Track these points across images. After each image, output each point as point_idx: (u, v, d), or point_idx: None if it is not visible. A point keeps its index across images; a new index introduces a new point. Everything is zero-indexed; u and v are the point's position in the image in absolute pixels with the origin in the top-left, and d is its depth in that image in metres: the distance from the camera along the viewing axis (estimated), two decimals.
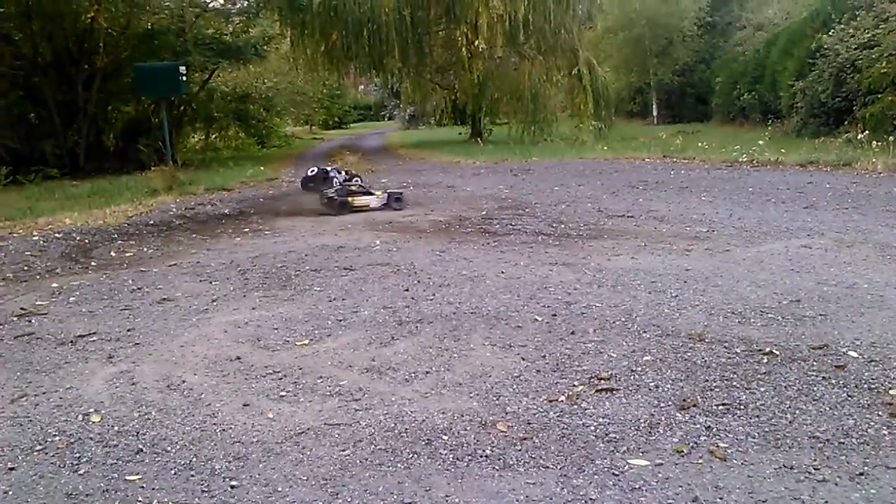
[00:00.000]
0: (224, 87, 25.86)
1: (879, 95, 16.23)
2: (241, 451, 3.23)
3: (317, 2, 23.32)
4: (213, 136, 28.39)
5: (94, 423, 3.60)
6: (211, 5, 23.26)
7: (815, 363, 3.91)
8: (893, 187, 10.22)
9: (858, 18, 18.52)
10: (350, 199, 10.58)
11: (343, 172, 11.36)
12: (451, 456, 3.10)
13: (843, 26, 18.77)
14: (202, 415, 3.64)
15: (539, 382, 3.84)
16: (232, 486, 2.93)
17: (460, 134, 29.70)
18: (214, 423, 3.53)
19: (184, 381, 4.09)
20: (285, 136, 34.06)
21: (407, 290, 5.86)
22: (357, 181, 11.30)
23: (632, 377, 3.85)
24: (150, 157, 17.54)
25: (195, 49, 19.96)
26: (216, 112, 25.45)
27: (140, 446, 3.33)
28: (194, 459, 3.18)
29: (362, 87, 54.67)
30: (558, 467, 2.97)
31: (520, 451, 3.11)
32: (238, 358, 4.44)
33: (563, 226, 8.52)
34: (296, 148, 31.17)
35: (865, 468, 2.83)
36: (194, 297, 5.95)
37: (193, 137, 27.82)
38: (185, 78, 16.36)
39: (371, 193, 10.58)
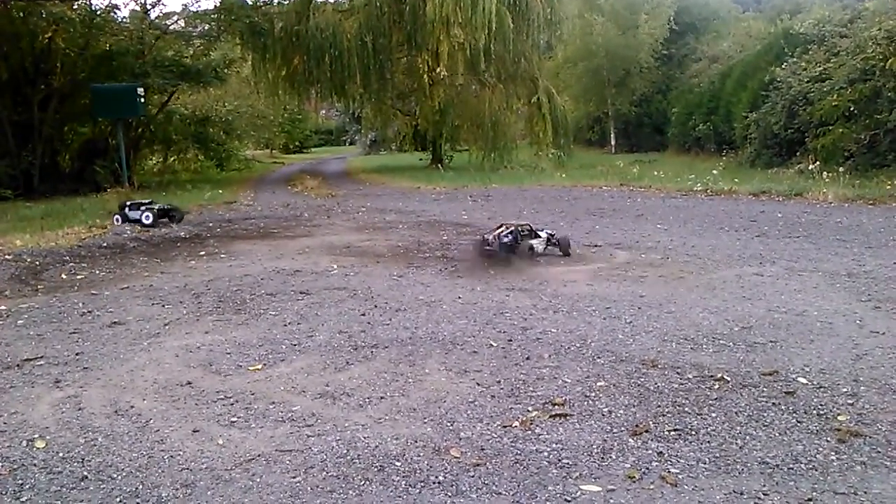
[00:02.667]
0: (183, 109, 25.67)
1: (830, 127, 16.64)
2: (189, 479, 3.16)
3: (278, 26, 23.35)
4: (172, 158, 28.09)
5: (38, 449, 3.51)
6: (171, 28, 23.11)
7: (765, 389, 3.96)
8: (843, 217, 10.46)
9: (810, 52, 19.03)
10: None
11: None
12: (403, 482, 3.07)
13: (795, 59, 19.27)
14: (150, 441, 3.56)
15: (493, 408, 3.83)
16: None
17: (421, 160, 29.80)
18: (162, 450, 3.46)
19: (132, 407, 4.01)
20: (245, 160, 33.80)
21: (363, 314, 5.83)
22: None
23: (585, 403, 3.86)
24: (106, 179, 17.34)
25: (154, 71, 19.80)
26: (175, 134, 25.23)
27: (85, 473, 3.24)
28: (140, 487, 3.10)
29: (324, 111, 54.59)
30: (511, 493, 2.95)
31: (473, 477, 3.10)
32: (189, 383, 4.36)
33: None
34: (255, 171, 30.97)
35: (814, 494, 2.86)
36: (146, 321, 5.85)
37: (151, 160, 27.53)
38: (143, 100, 16.25)
39: (538, 235, 8.67)
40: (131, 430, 3.71)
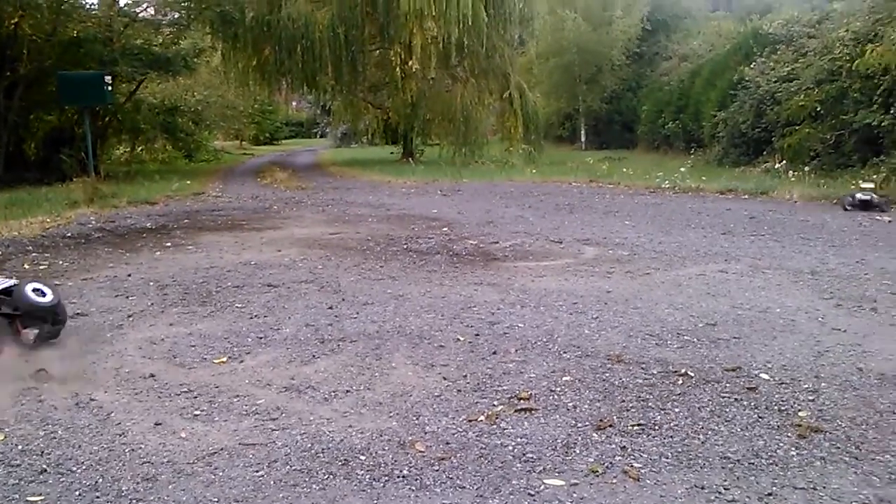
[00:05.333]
0: (152, 98, 25.29)
1: (797, 127, 16.86)
2: (150, 472, 3.13)
3: (249, 16, 23.08)
4: (139, 148, 27.67)
5: None
6: (140, 15, 22.72)
7: (728, 385, 4.01)
8: (807, 216, 10.61)
9: (779, 52, 19.26)
10: None
11: None
12: (367, 476, 3.06)
13: (764, 59, 19.49)
14: (111, 434, 3.52)
15: (459, 402, 3.84)
16: None
17: (392, 153, 29.70)
18: (124, 443, 3.42)
19: (93, 399, 3.96)
20: (214, 151, 33.44)
21: (331, 308, 5.80)
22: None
23: (551, 397, 3.88)
24: (72, 168, 17.01)
25: (123, 59, 19.45)
26: (143, 124, 24.82)
27: (44, 466, 3.20)
28: (101, 480, 3.07)
29: (295, 103, 54.17)
30: (475, 487, 2.96)
31: (437, 471, 3.10)
32: (152, 375, 4.32)
33: (489, 247, 8.57)
34: (225, 162, 30.66)
35: (774, 488, 2.91)
36: (109, 313, 5.77)
37: (118, 149, 27.07)
38: (110, 88, 15.97)
39: None
40: (92, 422, 3.67)
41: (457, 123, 24.52)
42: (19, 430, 3.57)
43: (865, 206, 10.78)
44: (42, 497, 2.94)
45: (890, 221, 9.99)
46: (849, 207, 10.92)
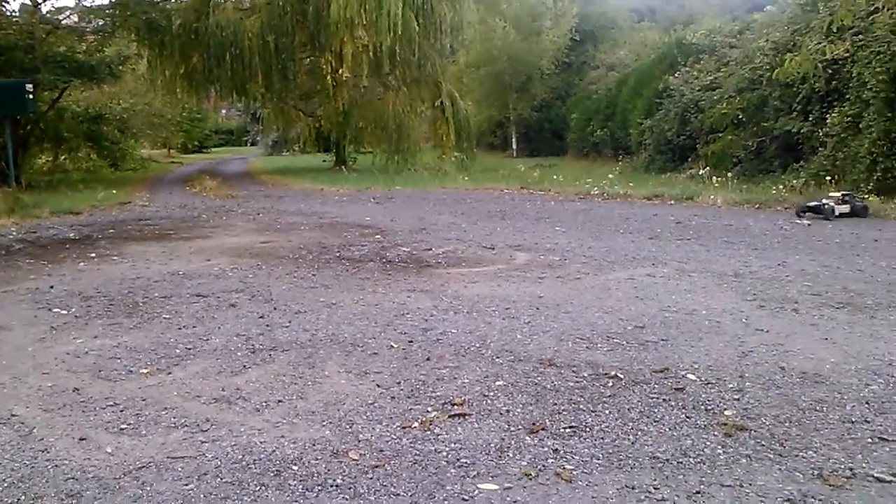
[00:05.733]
0: (76, 106, 24.67)
1: (720, 134, 17.38)
2: (74, 488, 3.03)
3: (177, 23, 22.72)
4: (63, 157, 26.91)
5: None
6: (64, 22, 22.14)
7: (656, 386, 4.09)
8: (731, 220, 10.93)
9: (702, 62, 19.82)
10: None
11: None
12: (300, 486, 3.02)
13: (687, 69, 20.03)
14: (33, 450, 3.40)
15: (393, 409, 3.82)
16: None
17: (324, 161, 29.53)
18: (47, 459, 3.31)
19: (14, 415, 3.81)
20: (141, 159, 32.73)
21: (262, 317, 5.72)
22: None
23: (484, 402, 3.90)
24: None
25: (45, 67, 18.95)
26: (66, 132, 24.17)
27: None
28: (23, 498, 2.96)
29: (224, 111, 53.41)
30: (409, 494, 2.95)
31: (371, 479, 3.08)
32: (76, 389, 4.18)
33: (422, 253, 8.59)
34: (152, 171, 30.03)
35: (702, 486, 2.96)
36: (31, 326, 5.59)
37: (41, 158, 26.27)
38: (31, 96, 15.53)
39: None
40: (13, 438, 3.53)
41: (389, 131, 24.56)
42: None
43: (818, 212, 10.88)
44: None
45: (809, 225, 10.36)
46: (804, 215, 10.98)
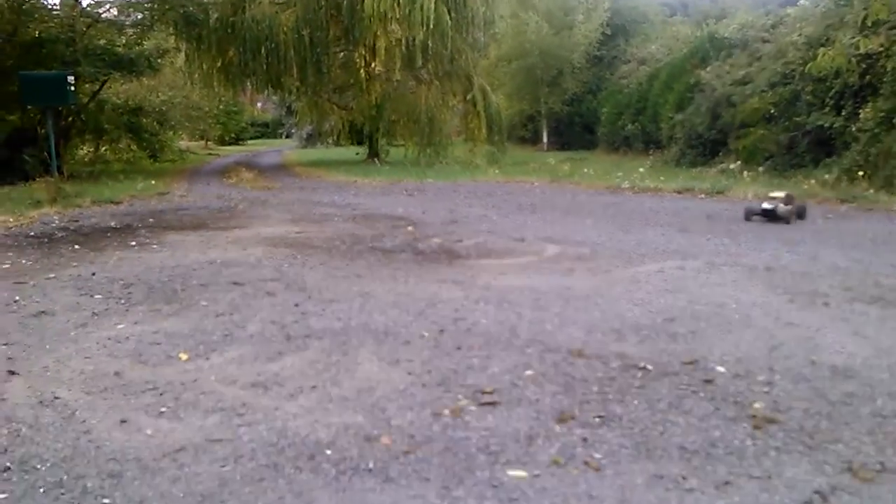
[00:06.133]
0: (116, 98, 24.98)
1: (752, 129, 17.20)
2: (115, 469, 3.14)
3: (214, 17, 22.91)
4: (104, 148, 27.32)
5: None
6: (104, 16, 22.40)
7: (685, 378, 4.11)
8: None
9: (734, 56, 19.60)
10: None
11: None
12: (333, 470, 3.10)
13: (719, 63, 19.84)
14: (76, 431, 3.52)
15: (424, 397, 3.89)
16: None
17: (357, 154, 29.66)
18: (89, 441, 3.42)
19: (58, 398, 3.94)
20: (179, 151, 33.10)
21: (296, 305, 5.82)
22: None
23: (514, 391, 3.95)
24: (35, 169, 16.79)
25: (85, 59, 19.22)
26: (107, 124, 24.50)
27: (8, 464, 3.19)
28: (65, 477, 3.07)
29: (260, 104, 53.85)
30: (440, 480, 3.01)
31: (402, 464, 3.15)
32: (117, 373, 4.31)
33: (453, 245, 8.65)
34: (190, 163, 30.36)
35: (730, 477, 2.99)
36: (73, 311, 5.74)
37: (82, 149, 26.69)
38: (73, 88, 15.78)
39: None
40: (56, 420, 3.66)
41: (421, 124, 24.60)
42: None
43: (769, 215, 10.15)
44: (6, 494, 2.93)
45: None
46: (753, 218, 10.30)
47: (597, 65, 33.35)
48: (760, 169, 15.20)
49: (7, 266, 7.69)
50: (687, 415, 3.62)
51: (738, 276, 6.68)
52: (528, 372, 4.23)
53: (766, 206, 10.23)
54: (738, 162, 16.48)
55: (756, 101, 16.83)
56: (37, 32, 20.07)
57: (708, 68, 20.07)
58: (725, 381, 4.05)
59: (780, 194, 10.55)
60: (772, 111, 16.50)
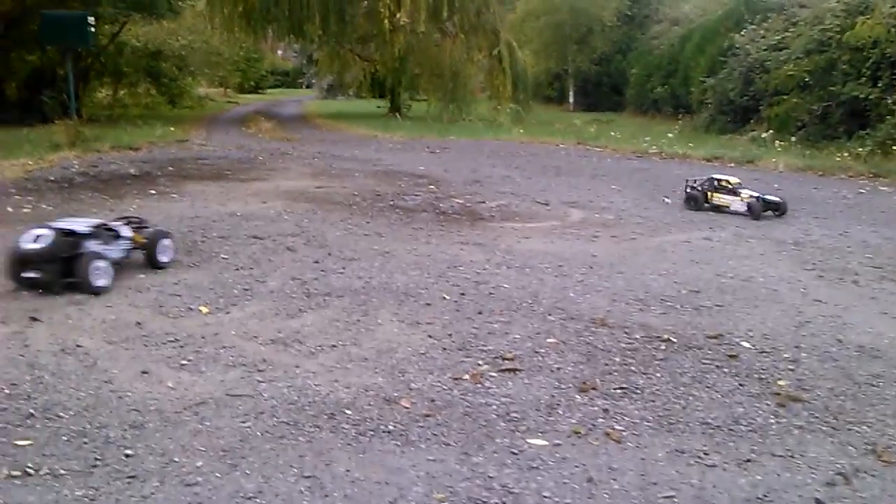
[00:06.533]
0: (135, 41, 24.84)
1: (785, 96, 16.87)
2: (137, 420, 3.15)
3: None
4: (122, 92, 27.28)
5: None
6: None
7: (709, 352, 4.07)
8: (792, 186, 10.66)
9: (770, 20, 19.16)
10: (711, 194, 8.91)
11: None
12: (353, 431, 3.10)
13: (754, 27, 19.40)
14: (98, 381, 3.53)
15: (444, 360, 3.88)
16: (126, 455, 2.85)
17: (379, 107, 29.47)
18: (111, 390, 3.43)
19: (80, 346, 3.96)
20: (198, 98, 32.99)
21: (317, 262, 5.81)
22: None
23: (535, 358, 3.92)
24: (54, 110, 16.81)
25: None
26: (126, 67, 24.45)
27: (31, 411, 3.21)
28: (88, 426, 3.08)
29: (281, 52, 53.47)
30: (459, 445, 3.00)
31: (422, 427, 3.14)
32: (138, 324, 4.32)
33: (476, 206, 8.58)
34: (209, 110, 30.32)
35: (753, 455, 2.97)
36: None
37: (101, 92, 26.68)
38: (93, 29, 15.63)
39: (736, 194, 8.63)
40: (78, 369, 3.67)
41: (445, 79, 24.33)
42: (6, 375, 3.57)
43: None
44: (30, 441, 2.95)
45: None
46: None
47: (628, 23, 32.80)
48: (792, 139, 14.92)
49: (27, 210, 7.71)
50: (710, 390, 3.59)
51: (766, 250, 6.59)
52: (550, 339, 4.20)
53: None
54: (770, 130, 16.19)
55: (791, 68, 16.47)
56: None
57: (742, 32, 19.65)
58: (750, 357, 4.01)
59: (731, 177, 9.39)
60: (806, 79, 16.15)
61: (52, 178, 9.86)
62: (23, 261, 4.87)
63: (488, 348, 4.06)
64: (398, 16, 22.77)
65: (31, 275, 4.85)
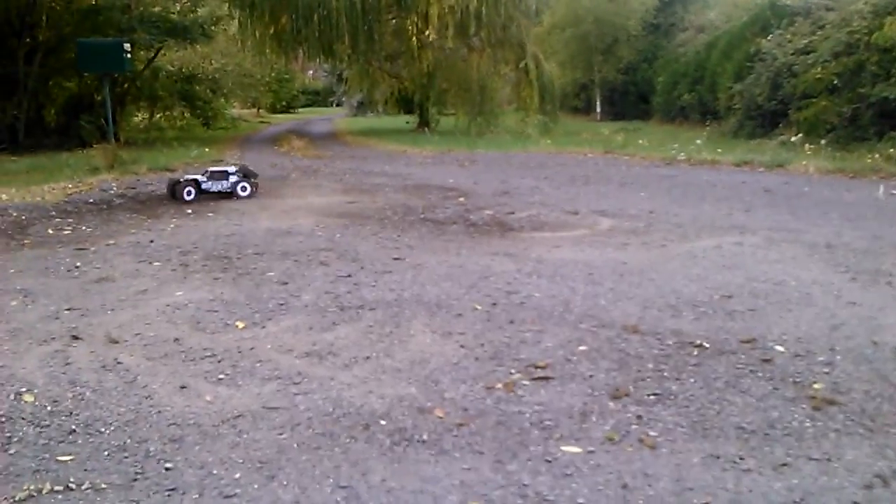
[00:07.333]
0: (170, 66, 25.38)
1: (814, 100, 16.68)
2: (176, 434, 3.21)
3: None
4: (158, 115, 27.86)
5: (26, 402, 3.54)
6: None
7: (743, 356, 4.04)
8: (823, 189, 10.56)
9: (796, 24, 18.99)
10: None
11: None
12: (388, 441, 3.13)
13: (781, 31, 19.23)
14: (138, 396, 3.61)
15: (477, 370, 3.90)
16: (167, 469, 2.91)
17: (408, 123, 29.65)
18: (150, 405, 3.50)
19: (120, 363, 4.04)
20: (231, 119, 33.53)
21: (349, 275, 5.87)
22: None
23: (567, 366, 3.93)
24: (92, 135, 17.21)
25: (141, 26, 19.55)
26: (161, 91, 24.97)
27: (73, 427, 3.28)
28: (128, 441, 3.15)
29: (311, 72, 54.06)
30: (493, 453, 3.02)
31: (456, 436, 3.16)
32: (176, 340, 4.40)
33: (506, 217, 8.61)
34: (242, 131, 30.71)
35: (789, 459, 2.94)
36: (133, 278, 5.87)
37: (137, 116, 27.27)
38: (129, 55, 16.01)
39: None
40: (119, 385, 3.75)
41: (472, 93, 24.45)
42: (48, 392, 3.66)
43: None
44: (72, 457, 3.02)
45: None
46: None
47: (653, 32, 32.70)
48: (822, 142, 14.74)
49: (68, 232, 7.89)
50: (744, 394, 3.56)
51: (797, 253, 6.53)
52: (582, 347, 4.21)
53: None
54: (799, 134, 16.01)
55: (818, 72, 16.30)
56: (93, 0, 20.40)
57: (769, 37, 19.48)
58: (784, 361, 3.98)
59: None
60: (835, 82, 15.97)
61: (92, 201, 10.08)
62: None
63: (520, 357, 4.08)
64: (426, 33, 22.97)
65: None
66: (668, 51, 30.72)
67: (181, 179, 10.43)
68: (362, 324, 4.68)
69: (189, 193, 10.10)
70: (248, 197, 10.36)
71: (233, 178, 10.43)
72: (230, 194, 10.30)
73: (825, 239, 7.11)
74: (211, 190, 10.31)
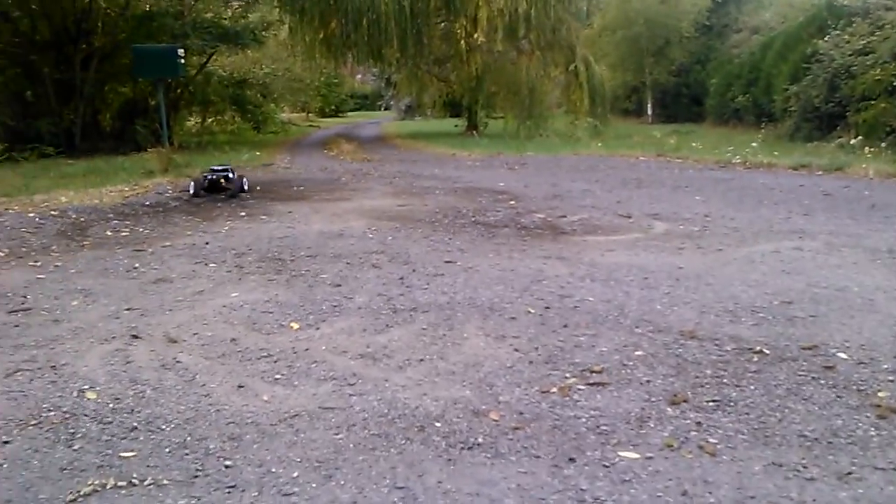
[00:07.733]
0: (221, 71, 25.82)
1: (873, 102, 16.30)
2: (235, 432, 3.25)
3: None
4: (210, 119, 28.32)
5: (89, 399, 3.62)
6: None
7: (804, 363, 3.95)
8: (884, 193, 10.28)
9: (854, 25, 18.58)
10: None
11: None
12: (443, 443, 3.13)
13: (838, 32, 18.83)
14: (197, 395, 3.66)
15: (531, 373, 3.88)
16: (226, 466, 2.95)
17: (456, 126, 29.68)
18: (209, 404, 3.55)
19: (179, 362, 4.12)
20: (281, 123, 33.95)
21: (402, 278, 5.89)
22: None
23: (623, 371, 3.89)
24: (146, 139, 17.57)
25: (193, 32, 19.92)
26: (213, 96, 25.38)
27: (135, 424, 3.34)
28: (189, 438, 3.20)
29: (360, 76, 54.54)
30: (550, 457, 2.99)
31: (512, 440, 3.14)
32: (233, 340, 4.46)
33: (557, 220, 8.56)
34: (292, 135, 31.07)
35: (853, 468, 2.87)
36: (190, 279, 5.97)
37: (190, 120, 27.75)
38: (182, 61, 16.33)
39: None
40: (178, 383, 3.81)
41: (522, 96, 24.40)
42: (110, 390, 3.73)
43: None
44: (134, 453, 3.07)
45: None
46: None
47: (706, 34, 32.29)
48: (882, 144, 14.37)
49: (126, 234, 8.07)
50: (807, 402, 3.48)
51: (859, 259, 6.36)
52: (638, 352, 4.16)
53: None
54: (858, 137, 15.64)
55: (878, 73, 15.92)
56: (148, 6, 20.91)
57: (826, 37, 19.08)
58: (848, 368, 3.88)
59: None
60: (895, 83, 15.58)
61: (148, 203, 10.29)
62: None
63: (575, 361, 4.04)
64: (475, 36, 22.99)
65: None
66: (722, 52, 30.29)
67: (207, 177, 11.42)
68: (415, 326, 4.69)
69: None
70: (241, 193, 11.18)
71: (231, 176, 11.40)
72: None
73: (887, 244, 6.91)
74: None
